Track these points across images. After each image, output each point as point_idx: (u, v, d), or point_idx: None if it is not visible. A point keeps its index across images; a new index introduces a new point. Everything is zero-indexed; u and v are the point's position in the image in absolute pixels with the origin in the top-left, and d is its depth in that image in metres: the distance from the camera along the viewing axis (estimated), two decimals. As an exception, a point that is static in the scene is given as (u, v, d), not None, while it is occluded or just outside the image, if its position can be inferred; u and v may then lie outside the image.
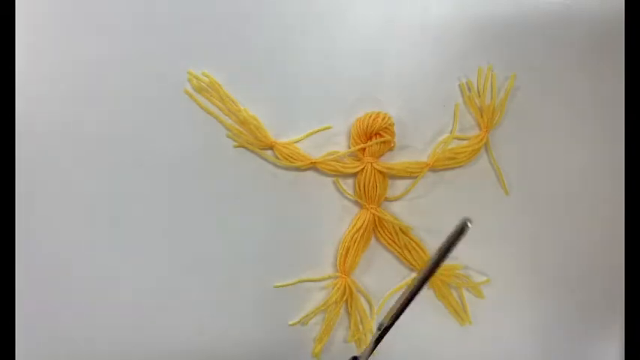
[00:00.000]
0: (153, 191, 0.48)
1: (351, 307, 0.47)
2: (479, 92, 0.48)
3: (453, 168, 0.48)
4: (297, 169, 0.47)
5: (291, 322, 0.48)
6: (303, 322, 0.48)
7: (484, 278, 0.48)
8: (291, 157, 0.46)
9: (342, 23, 0.48)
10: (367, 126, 0.46)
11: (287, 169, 0.47)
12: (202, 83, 0.47)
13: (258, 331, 0.48)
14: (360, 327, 0.48)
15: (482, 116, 0.47)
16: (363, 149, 0.47)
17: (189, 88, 0.47)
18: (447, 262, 0.46)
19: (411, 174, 0.47)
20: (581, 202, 0.48)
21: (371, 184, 0.46)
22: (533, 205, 0.48)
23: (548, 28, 0.48)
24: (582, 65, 0.48)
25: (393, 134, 0.47)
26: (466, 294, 0.48)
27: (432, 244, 0.48)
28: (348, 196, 0.47)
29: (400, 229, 0.47)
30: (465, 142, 0.48)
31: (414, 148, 0.48)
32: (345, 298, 0.47)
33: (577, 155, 0.48)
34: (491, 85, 0.48)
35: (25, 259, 0.47)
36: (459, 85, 0.48)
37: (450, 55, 0.48)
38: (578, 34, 0.48)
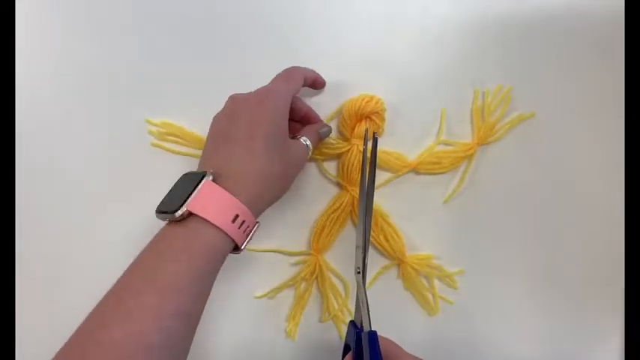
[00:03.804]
0: (153, 189, 0.48)
1: (322, 286, 0.47)
2: (484, 105, 0.47)
3: (435, 173, 0.48)
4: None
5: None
6: (269, 295, 0.48)
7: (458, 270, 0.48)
8: None
9: (342, 23, 0.49)
10: (359, 108, 0.46)
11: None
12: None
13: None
14: (335, 305, 0.48)
15: (480, 129, 0.47)
16: (352, 131, 0.47)
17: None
18: (421, 252, 0.47)
19: (393, 169, 0.47)
20: (581, 202, 0.48)
21: (354, 167, 0.46)
22: (533, 205, 0.48)
23: (548, 29, 0.48)
24: (582, 65, 0.48)
25: (383, 120, 0.47)
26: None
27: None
28: (330, 177, 0.48)
29: (380, 215, 0.47)
30: (451, 148, 0.48)
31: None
32: (315, 276, 0.47)
33: (576, 155, 0.48)
34: (503, 104, 0.47)
35: (25, 259, 0.47)
36: (474, 91, 0.48)
37: (450, 54, 0.48)
38: (578, 34, 0.48)
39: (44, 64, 0.49)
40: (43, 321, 0.47)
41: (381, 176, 0.48)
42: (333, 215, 0.47)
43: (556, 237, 0.48)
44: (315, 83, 0.46)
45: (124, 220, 0.48)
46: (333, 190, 0.48)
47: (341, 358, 0.41)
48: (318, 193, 0.48)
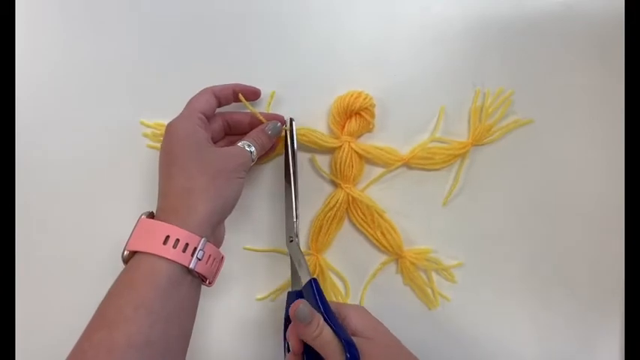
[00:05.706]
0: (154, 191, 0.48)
1: (323, 286, 0.47)
2: (483, 106, 0.47)
3: (427, 169, 0.48)
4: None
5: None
6: (271, 297, 0.48)
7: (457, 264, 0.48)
8: None
9: (342, 23, 0.49)
10: (348, 104, 0.46)
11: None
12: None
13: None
14: None
15: (476, 129, 0.47)
16: (342, 128, 0.47)
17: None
18: (418, 246, 0.48)
19: (385, 163, 0.47)
20: (580, 202, 0.48)
21: (347, 164, 0.46)
22: (533, 206, 0.48)
23: (548, 29, 0.48)
24: (582, 65, 0.48)
25: (372, 115, 0.47)
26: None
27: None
28: (324, 174, 0.48)
29: (375, 211, 0.47)
30: (445, 145, 0.48)
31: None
32: (315, 276, 0.47)
33: (576, 154, 0.48)
34: (503, 107, 0.48)
35: (25, 259, 0.47)
36: (474, 91, 0.48)
37: (451, 54, 0.48)
38: (578, 34, 0.48)
39: (44, 64, 0.49)
40: (43, 321, 0.47)
41: (374, 172, 0.48)
42: (329, 214, 0.47)
43: (556, 237, 0.48)
44: (245, 95, 0.45)
45: (122, 221, 0.48)
46: (328, 188, 0.48)
47: (283, 333, 0.41)
48: (314, 191, 0.48)
